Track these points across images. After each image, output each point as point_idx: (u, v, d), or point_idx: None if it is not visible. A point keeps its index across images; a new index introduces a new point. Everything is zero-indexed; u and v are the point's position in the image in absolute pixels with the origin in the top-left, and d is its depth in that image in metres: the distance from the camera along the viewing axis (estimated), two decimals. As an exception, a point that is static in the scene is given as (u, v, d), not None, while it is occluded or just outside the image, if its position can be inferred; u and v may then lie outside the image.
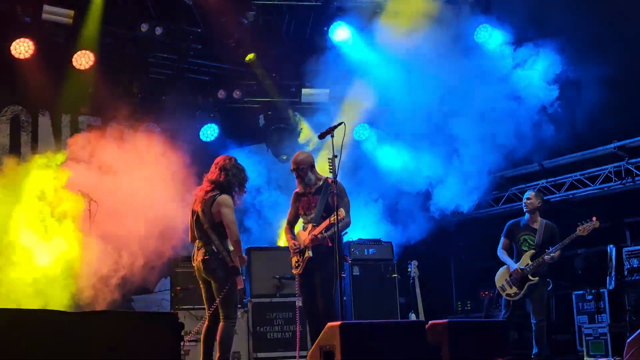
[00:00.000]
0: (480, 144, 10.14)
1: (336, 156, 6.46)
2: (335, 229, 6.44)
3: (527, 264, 8.03)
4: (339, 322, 5.04)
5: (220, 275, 6.43)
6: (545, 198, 10.62)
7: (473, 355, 5.21)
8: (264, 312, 9.27)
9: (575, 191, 10.46)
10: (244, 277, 6.78)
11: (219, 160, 6.63)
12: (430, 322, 5.59)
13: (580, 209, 10.52)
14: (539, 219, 8.19)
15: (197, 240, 6.55)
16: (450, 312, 11.51)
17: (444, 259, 12.19)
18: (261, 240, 9.08)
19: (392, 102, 10.36)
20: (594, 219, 7.83)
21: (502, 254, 8.27)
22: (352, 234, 10.09)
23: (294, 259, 6.83)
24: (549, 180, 10.73)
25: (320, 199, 6.73)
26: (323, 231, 6.59)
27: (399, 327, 5.41)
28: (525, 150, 10.21)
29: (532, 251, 8.04)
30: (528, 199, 8.27)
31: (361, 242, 10.10)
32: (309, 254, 6.62)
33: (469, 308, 11.26)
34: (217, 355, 6.37)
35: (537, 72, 9.98)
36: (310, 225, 6.72)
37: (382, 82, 10.24)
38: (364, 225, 10.65)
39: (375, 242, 10.21)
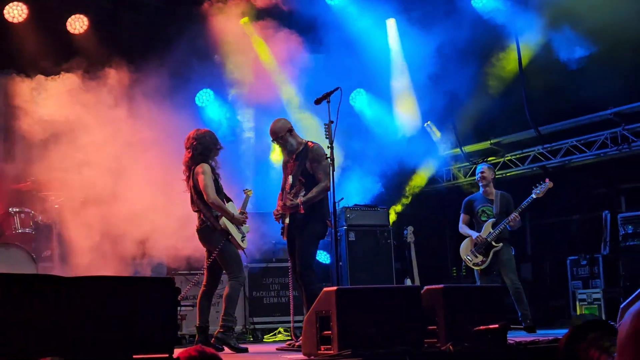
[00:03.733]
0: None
1: (332, 122, 6.42)
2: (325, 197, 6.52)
3: (490, 232, 8.21)
4: (334, 288, 5.01)
5: (211, 241, 6.65)
6: (541, 164, 10.67)
7: (469, 320, 5.16)
8: (260, 278, 9.37)
9: (571, 157, 10.43)
10: (242, 238, 6.78)
11: (189, 135, 6.81)
12: (425, 287, 5.54)
13: (575, 175, 10.53)
14: (494, 190, 8.42)
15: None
16: (446, 278, 11.58)
17: (439, 225, 12.22)
18: (258, 205, 9.09)
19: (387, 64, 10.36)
20: (547, 180, 8.03)
21: (463, 228, 8.49)
22: (347, 200, 10.13)
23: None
24: (544, 146, 10.70)
25: (298, 164, 6.73)
26: (292, 198, 6.61)
27: (395, 292, 5.39)
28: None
29: (493, 220, 8.24)
30: (482, 172, 8.50)
31: (357, 208, 10.12)
32: (285, 221, 6.66)
33: (464, 274, 11.27)
34: (222, 309, 6.58)
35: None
36: (287, 189, 6.75)
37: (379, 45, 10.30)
38: (360, 191, 10.71)
39: (371, 207, 10.23)
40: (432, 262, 11.23)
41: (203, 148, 6.73)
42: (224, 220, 6.63)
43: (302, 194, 6.61)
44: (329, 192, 6.59)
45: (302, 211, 6.55)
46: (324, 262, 10.15)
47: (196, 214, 6.76)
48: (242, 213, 6.86)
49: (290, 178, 6.74)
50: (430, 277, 9.33)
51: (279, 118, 6.98)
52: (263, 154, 10.51)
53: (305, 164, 6.69)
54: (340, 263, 9.59)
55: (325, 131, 6.44)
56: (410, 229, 9.66)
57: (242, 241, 6.80)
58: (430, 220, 11.73)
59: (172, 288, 4.45)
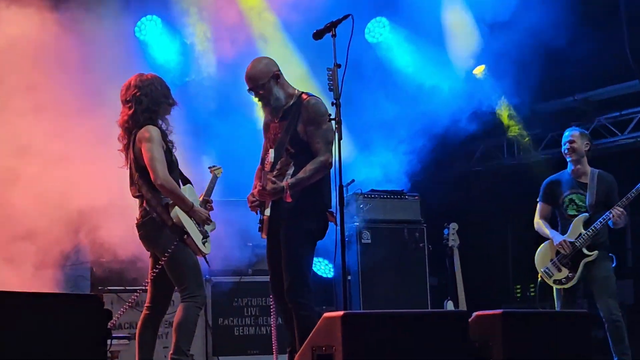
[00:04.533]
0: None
1: (339, 65, 6.45)
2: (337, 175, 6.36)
3: (580, 234, 8.12)
4: (340, 313, 5.03)
5: (157, 242, 6.66)
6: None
7: (538, 360, 5.39)
8: (230, 298, 9.44)
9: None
10: (204, 240, 6.79)
11: (128, 82, 6.81)
12: (475, 313, 5.62)
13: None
14: (589, 169, 8.29)
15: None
16: (506, 300, 11.71)
17: (497, 222, 12.32)
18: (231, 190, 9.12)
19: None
20: None
21: (540, 225, 8.40)
22: (361, 183, 10.26)
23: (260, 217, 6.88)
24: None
25: (286, 126, 6.72)
26: (274, 179, 6.57)
27: (430, 320, 5.45)
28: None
29: (585, 215, 8.14)
30: (571, 140, 8.27)
31: (375, 195, 10.28)
32: (265, 213, 6.65)
33: (532, 294, 11.33)
34: (173, 343, 6.57)
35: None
36: (268, 167, 6.71)
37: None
38: (378, 170, 10.83)
39: (396, 194, 10.39)
40: (486, 276, 11.35)
41: (150, 102, 6.72)
42: (177, 212, 6.59)
43: (291, 172, 6.62)
44: (331, 171, 6.59)
45: (290, 199, 6.52)
46: (324, 275, 10.29)
47: (137, 200, 6.79)
48: (205, 202, 6.92)
49: (271, 150, 6.70)
50: (482, 299, 9.56)
51: (260, 57, 7.00)
52: (236, 112, 10.46)
53: (297, 126, 6.68)
54: (349, 277, 9.82)
55: (329, 80, 6.47)
56: (453, 227, 9.63)
57: (204, 244, 6.79)
58: (483, 213, 11.82)
59: (99, 311, 4.48)
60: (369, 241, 10.00)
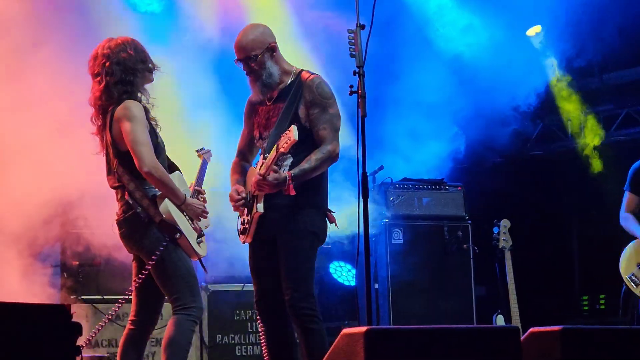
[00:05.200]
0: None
1: (363, 26, 6.55)
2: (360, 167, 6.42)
3: None
4: (363, 329, 4.96)
5: (142, 242, 6.65)
6: None
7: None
8: (229, 310, 9.53)
9: None
10: (199, 239, 6.82)
11: (95, 51, 6.80)
12: (530, 329, 5.60)
13: None
14: None
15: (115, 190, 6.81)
16: (569, 314, 11.72)
17: (559, 219, 12.29)
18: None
19: None
20: None
21: (627, 220, 8.39)
22: (391, 171, 10.38)
23: (241, 218, 6.92)
24: None
25: (284, 109, 6.78)
26: (274, 168, 6.56)
27: (474, 338, 5.43)
28: None
29: None
30: None
31: (408, 186, 10.36)
32: (257, 209, 6.66)
33: (602, 307, 11.33)
34: None
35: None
36: (261, 158, 6.76)
37: None
38: (411, 155, 10.90)
39: (435, 185, 10.48)
40: (545, 284, 11.37)
41: (123, 71, 6.71)
42: (167, 206, 6.61)
43: (288, 163, 6.64)
44: (344, 158, 6.76)
45: (293, 191, 6.52)
46: (346, 283, 10.47)
47: (116, 192, 6.79)
48: (197, 193, 6.95)
49: (266, 135, 6.80)
50: (540, 313, 9.54)
51: (255, 24, 7.05)
52: (230, 82, 10.21)
53: (298, 109, 6.72)
54: (376, 285, 9.91)
55: (350, 44, 6.53)
56: (505, 224, 9.65)
57: (199, 244, 6.82)
58: (541, 208, 11.83)
59: (67, 324, 4.51)
60: (401, 241, 10.09)
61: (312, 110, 6.68)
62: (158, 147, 6.70)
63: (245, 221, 6.79)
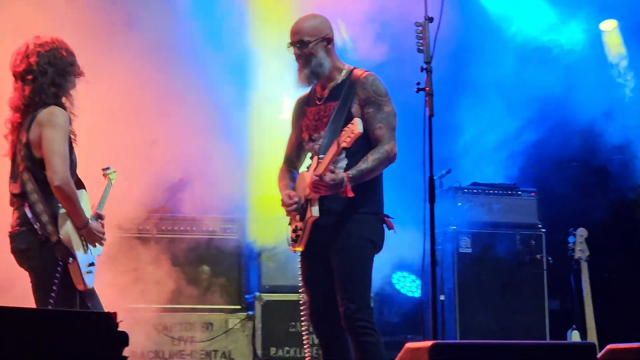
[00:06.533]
0: None
1: (431, 19, 6.53)
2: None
3: None
4: (428, 343, 4.86)
5: (36, 261, 6.30)
6: None
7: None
8: (284, 320, 9.35)
9: None
10: (89, 268, 6.42)
11: (20, 51, 6.47)
12: (608, 346, 5.42)
13: None
14: None
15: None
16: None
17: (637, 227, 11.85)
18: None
19: None
20: None
21: None
22: (459, 175, 10.16)
23: (292, 225, 6.76)
24: None
25: (338, 107, 6.60)
26: (335, 166, 6.46)
27: (548, 354, 5.26)
28: None
29: None
30: None
31: (477, 191, 10.07)
32: (312, 212, 6.42)
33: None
34: None
35: None
36: (315, 159, 6.61)
37: None
38: (481, 158, 10.70)
39: (507, 190, 10.15)
40: (624, 298, 10.77)
41: (56, 72, 6.39)
42: (68, 228, 6.25)
43: (343, 165, 6.48)
44: (405, 160, 6.59)
45: (351, 193, 6.29)
46: (409, 294, 10.29)
47: (13, 200, 6.45)
48: (97, 217, 6.54)
49: (317, 136, 6.67)
50: (620, 329, 8.92)
51: (315, 14, 6.92)
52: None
53: (352, 107, 6.54)
54: (442, 297, 9.50)
55: (418, 38, 6.52)
56: (581, 233, 9.21)
57: (87, 274, 6.40)
58: (620, 216, 11.23)
59: (112, 332, 4.28)
60: (469, 250, 9.78)
61: (367, 108, 6.55)
62: (73, 164, 6.41)
63: (298, 228, 6.66)
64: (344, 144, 6.17)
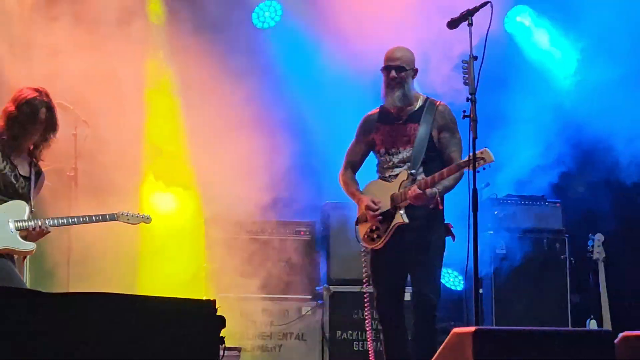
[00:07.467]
0: None
1: (475, 57, 6.60)
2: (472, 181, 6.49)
3: None
4: (472, 328, 5.10)
5: None
6: None
7: None
8: (350, 309, 9.58)
9: None
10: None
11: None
12: (622, 334, 5.57)
13: None
14: None
15: None
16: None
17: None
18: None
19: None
20: None
21: None
22: (496, 188, 10.44)
23: (366, 226, 7.02)
24: None
25: (422, 130, 6.92)
26: (416, 177, 6.81)
27: (571, 339, 5.45)
28: None
29: None
30: None
31: (512, 202, 10.33)
32: (402, 217, 6.79)
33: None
34: None
35: None
36: (405, 173, 6.89)
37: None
38: (516, 172, 10.75)
39: (536, 200, 10.39)
40: (636, 293, 10.89)
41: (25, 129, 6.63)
42: None
43: (422, 176, 6.86)
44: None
45: (441, 206, 6.79)
46: (453, 287, 10.50)
47: None
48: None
49: (407, 148, 6.93)
50: (632, 320, 9.00)
51: (406, 47, 7.24)
52: None
53: (431, 131, 6.95)
54: (481, 290, 9.79)
55: (464, 73, 6.62)
56: (599, 238, 9.63)
57: None
58: (633, 224, 11.27)
59: (213, 316, 4.65)
60: (504, 252, 10.07)
61: (444, 133, 6.96)
62: None
63: (379, 229, 6.93)
64: (471, 168, 6.43)
